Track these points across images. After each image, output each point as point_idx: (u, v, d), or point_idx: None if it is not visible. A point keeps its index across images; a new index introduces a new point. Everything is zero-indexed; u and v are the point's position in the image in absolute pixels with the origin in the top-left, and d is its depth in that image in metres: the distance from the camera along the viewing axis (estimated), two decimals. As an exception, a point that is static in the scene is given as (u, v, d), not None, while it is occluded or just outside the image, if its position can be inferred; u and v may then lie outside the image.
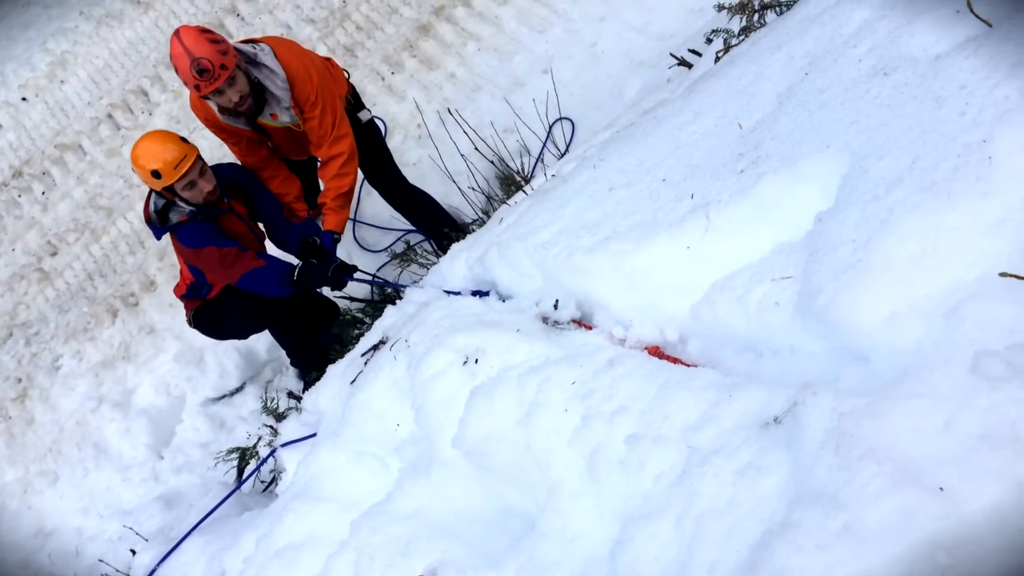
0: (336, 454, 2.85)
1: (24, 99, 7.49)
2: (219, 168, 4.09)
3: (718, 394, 1.79)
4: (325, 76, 3.95)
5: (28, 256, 6.50)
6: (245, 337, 4.80)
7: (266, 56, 3.75)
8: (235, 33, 6.90)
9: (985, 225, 1.50)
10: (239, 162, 4.29)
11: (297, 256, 4.17)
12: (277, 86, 3.75)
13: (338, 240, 4.10)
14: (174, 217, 3.86)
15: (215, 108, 3.81)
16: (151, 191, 3.88)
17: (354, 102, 4.39)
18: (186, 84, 3.58)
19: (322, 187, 4.12)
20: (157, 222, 3.89)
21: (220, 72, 3.49)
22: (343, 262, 3.99)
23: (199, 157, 3.76)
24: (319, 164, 4.11)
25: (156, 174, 3.61)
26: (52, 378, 5.79)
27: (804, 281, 1.74)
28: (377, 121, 6.01)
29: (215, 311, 4.31)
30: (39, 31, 7.88)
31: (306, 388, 4.50)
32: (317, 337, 4.68)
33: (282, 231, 4.21)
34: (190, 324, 4.45)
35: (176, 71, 3.54)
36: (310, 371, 4.81)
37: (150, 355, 5.62)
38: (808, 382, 1.63)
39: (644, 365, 2.06)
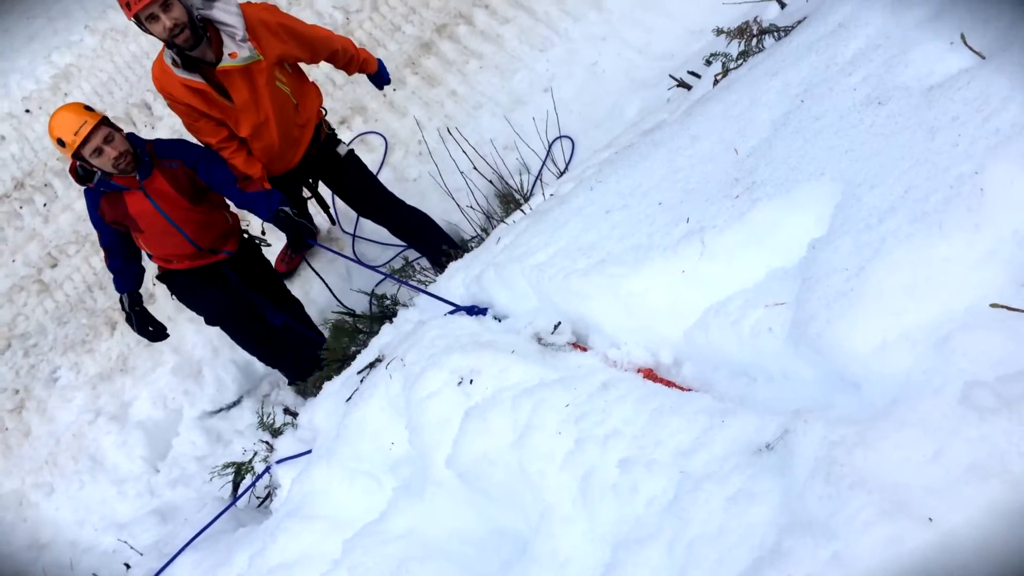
0: (330, 472, 2.85)
1: (27, 111, 7.53)
2: (157, 143, 4.08)
3: (710, 420, 1.80)
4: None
5: (28, 267, 6.51)
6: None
7: None
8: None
9: (976, 256, 1.51)
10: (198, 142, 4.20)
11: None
12: (231, 13, 3.67)
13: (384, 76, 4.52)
14: (95, 181, 3.92)
15: (170, 63, 3.72)
16: None
17: (330, 134, 4.45)
18: (120, 5, 3.51)
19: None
20: (81, 179, 3.95)
21: None
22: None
23: (103, 123, 3.75)
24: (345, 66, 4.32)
25: (61, 142, 3.69)
26: (49, 390, 5.79)
27: (797, 308, 1.75)
28: (377, 137, 6.09)
29: (173, 283, 4.47)
30: (44, 43, 7.93)
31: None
32: (284, 333, 4.75)
33: (240, 202, 4.14)
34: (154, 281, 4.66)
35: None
36: (298, 377, 4.85)
37: (148, 368, 5.63)
38: (800, 409, 1.64)
39: (638, 389, 2.06)
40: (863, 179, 1.80)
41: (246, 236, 4.66)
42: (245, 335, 4.65)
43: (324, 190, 5.05)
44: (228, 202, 4.40)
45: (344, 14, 6.84)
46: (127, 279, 4.28)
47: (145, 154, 3.93)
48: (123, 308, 4.31)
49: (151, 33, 3.62)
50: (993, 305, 1.47)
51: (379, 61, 4.47)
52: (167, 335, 4.49)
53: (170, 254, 4.25)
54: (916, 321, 1.54)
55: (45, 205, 6.86)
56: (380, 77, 4.52)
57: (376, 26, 6.66)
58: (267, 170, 4.25)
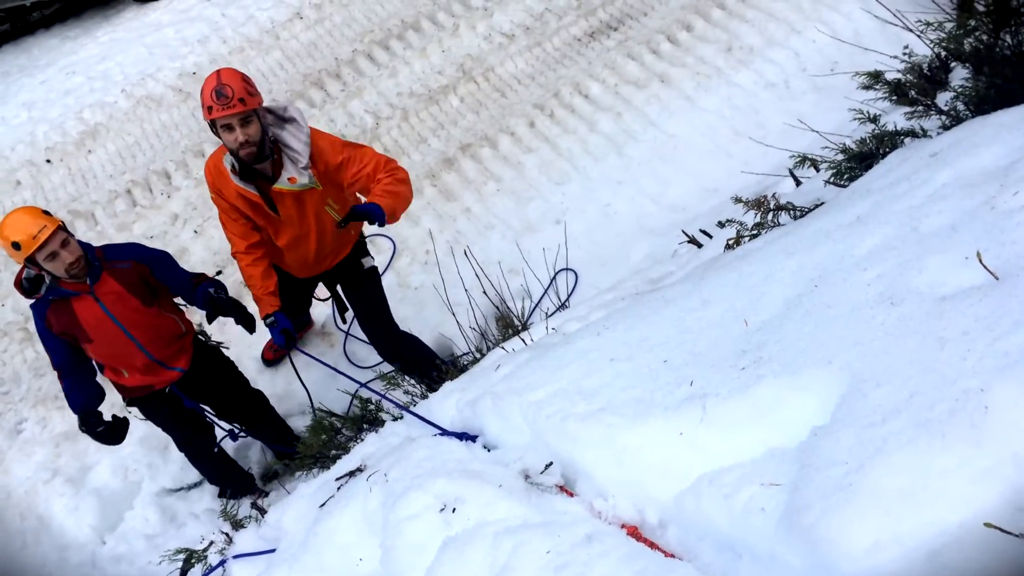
0: (291, 579, 2.77)
1: (48, 161, 7.65)
2: (107, 248, 4.07)
3: (693, 592, 1.78)
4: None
5: (16, 314, 6.47)
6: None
7: (295, 111, 3.86)
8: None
9: (975, 472, 1.53)
10: (229, 241, 4.25)
11: (207, 314, 4.20)
12: (300, 140, 3.81)
13: (380, 219, 3.67)
14: (43, 290, 3.87)
15: (228, 168, 3.86)
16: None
17: (360, 241, 4.58)
18: (203, 106, 3.67)
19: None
20: (28, 290, 3.88)
21: (237, 103, 3.58)
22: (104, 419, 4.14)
23: (60, 228, 3.75)
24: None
25: (16, 245, 3.62)
26: (11, 441, 5.67)
27: (793, 493, 1.76)
28: (386, 240, 6.19)
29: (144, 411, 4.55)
30: (78, 100, 8.13)
31: (224, 508, 4.43)
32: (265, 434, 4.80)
33: (190, 299, 4.22)
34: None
35: (201, 96, 3.66)
36: (229, 492, 4.84)
37: (115, 434, 5.52)
38: (786, 598, 1.63)
39: (622, 547, 2.04)
40: (870, 375, 1.84)
41: (202, 339, 4.65)
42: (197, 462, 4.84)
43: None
44: (181, 307, 4.42)
45: (375, 119, 7.06)
46: (84, 397, 4.11)
47: (95, 259, 3.92)
48: (83, 429, 4.14)
49: (220, 139, 3.78)
50: (987, 524, 1.48)
51: (376, 207, 3.73)
52: (127, 428, 4.37)
53: (121, 364, 4.15)
54: (910, 528, 1.54)
55: (46, 255, 6.87)
56: (371, 209, 3.74)
57: (403, 135, 6.87)
58: (293, 272, 4.45)
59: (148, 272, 4.09)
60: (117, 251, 4.07)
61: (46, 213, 3.75)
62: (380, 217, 3.66)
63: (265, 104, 3.84)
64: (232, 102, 3.58)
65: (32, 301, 3.96)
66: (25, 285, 3.86)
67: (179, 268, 4.24)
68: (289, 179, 3.88)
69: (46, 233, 3.63)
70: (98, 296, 3.90)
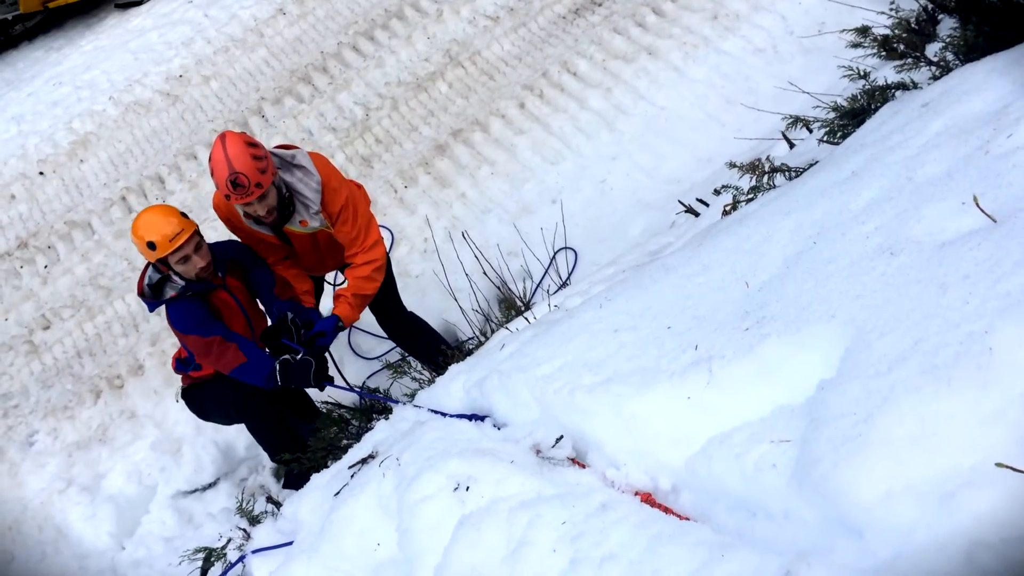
0: (310, 569, 2.77)
1: (41, 173, 7.64)
2: (217, 245, 4.15)
3: (710, 553, 1.78)
4: (353, 187, 4.12)
5: (20, 327, 6.47)
6: (225, 424, 4.79)
7: (303, 158, 3.86)
8: (258, 133, 7.12)
9: (983, 415, 1.53)
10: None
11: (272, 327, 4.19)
12: (311, 188, 3.83)
13: (340, 329, 4.07)
14: (168, 292, 3.90)
15: (241, 213, 3.89)
16: (147, 264, 3.94)
17: None
18: (218, 187, 3.68)
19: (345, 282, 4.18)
20: (151, 296, 3.92)
21: (255, 189, 3.59)
22: (320, 366, 3.99)
23: (196, 233, 3.82)
24: (349, 265, 4.15)
25: (152, 245, 3.67)
26: (24, 453, 5.68)
27: (803, 448, 1.76)
28: (384, 231, 6.18)
29: (199, 393, 4.37)
30: (67, 110, 8.10)
31: (287, 483, 4.44)
32: (296, 429, 4.71)
33: (269, 305, 4.25)
34: (178, 397, 4.46)
35: (211, 174, 3.63)
36: (283, 454, 4.80)
37: (127, 440, 5.55)
38: (802, 552, 1.63)
39: (637, 513, 2.05)
40: (874, 326, 1.84)
41: None
42: (269, 429, 4.59)
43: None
44: None
45: (364, 110, 7.04)
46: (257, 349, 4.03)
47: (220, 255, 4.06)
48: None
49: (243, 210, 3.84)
50: (999, 464, 1.48)
51: (335, 320, 4.03)
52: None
53: None
54: (922, 474, 1.54)
55: (46, 267, 6.88)
56: (324, 325, 4.03)
57: (394, 124, 6.86)
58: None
59: (244, 272, 4.22)
60: (223, 248, 4.17)
61: (183, 215, 3.82)
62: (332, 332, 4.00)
63: (272, 150, 3.84)
64: (250, 189, 3.59)
65: (163, 302, 3.95)
66: (148, 290, 3.91)
67: (268, 272, 4.23)
68: (301, 222, 3.94)
69: (183, 237, 3.71)
70: (230, 289, 4.06)
